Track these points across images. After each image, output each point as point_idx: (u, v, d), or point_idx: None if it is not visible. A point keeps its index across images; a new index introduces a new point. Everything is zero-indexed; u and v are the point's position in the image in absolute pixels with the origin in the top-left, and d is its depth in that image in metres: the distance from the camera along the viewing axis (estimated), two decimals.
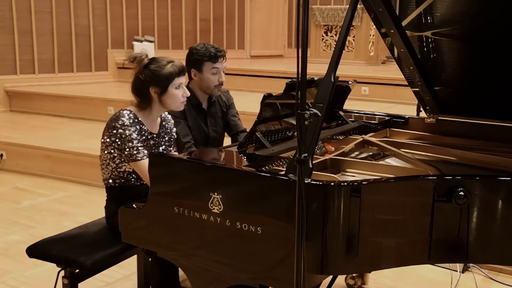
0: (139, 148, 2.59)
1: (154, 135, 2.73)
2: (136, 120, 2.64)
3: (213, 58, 3.18)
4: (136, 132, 2.60)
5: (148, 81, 2.62)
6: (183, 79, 2.69)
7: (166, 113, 2.85)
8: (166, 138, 2.81)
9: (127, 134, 2.58)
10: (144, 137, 2.66)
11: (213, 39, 9.53)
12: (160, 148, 2.77)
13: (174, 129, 2.90)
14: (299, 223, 1.75)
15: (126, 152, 2.59)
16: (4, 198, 5.01)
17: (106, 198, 2.81)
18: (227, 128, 3.42)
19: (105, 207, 2.82)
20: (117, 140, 2.59)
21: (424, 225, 2.00)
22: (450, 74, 2.80)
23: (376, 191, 1.96)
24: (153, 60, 2.65)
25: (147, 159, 2.55)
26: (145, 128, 2.68)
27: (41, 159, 5.65)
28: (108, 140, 2.62)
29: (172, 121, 2.90)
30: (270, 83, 7.41)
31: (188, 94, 2.72)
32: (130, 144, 2.58)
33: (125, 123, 2.59)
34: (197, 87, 3.25)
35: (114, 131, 2.59)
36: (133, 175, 2.70)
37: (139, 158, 2.59)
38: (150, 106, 2.67)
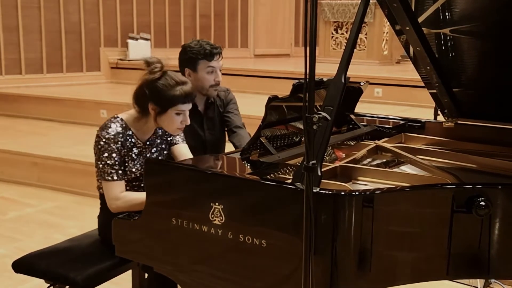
0: (114, 167, 2.61)
1: (145, 143, 2.73)
2: (124, 131, 2.64)
3: (208, 56, 3.18)
4: (116, 148, 2.61)
5: (150, 97, 2.61)
6: (189, 106, 2.65)
7: None
8: (161, 141, 2.81)
9: (107, 149, 2.60)
10: (130, 148, 2.66)
11: (214, 36, 9.55)
12: (154, 155, 2.77)
13: None
14: (307, 235, 1.76)
15: (100, 167, 2.61)
16: None
17: (99, 207, 2.81)
18: (225, 127, 3.42)
19: (98, 217, 2.83)
20: (97, 151, 2.62)
21: (442, 237, 2.00)
22: (470, 75, 2.81)
23: (390, 201, 1.97)
24: (164, 75, 2.61)
25: (118, 182, 2.61)
26: (132, 138, 2.68)
27: (28, 166, 5.67)
28: (94, 148, 2.64)
29: None
30: (275, 84, 7.42)
31: (188, 123, 2.68)
32: (106, 160, 2.60)
33: (109, 137, 2.60)
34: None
35: (97, 141, 2.62)
36: (129, 184, 2.71)
37: (109, 178, 2.60)
38: (145, 118, 2.67)
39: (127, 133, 2.66)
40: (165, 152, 2.83)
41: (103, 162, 2.60)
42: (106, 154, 2.59)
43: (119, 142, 2.62)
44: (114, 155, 2.61)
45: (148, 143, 2.75)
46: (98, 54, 8.57)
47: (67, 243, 2.88)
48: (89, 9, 8.37)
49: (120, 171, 2.62)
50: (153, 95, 2.61)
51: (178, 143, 2.87)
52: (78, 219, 4.72)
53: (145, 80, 2.63)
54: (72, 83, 8.18)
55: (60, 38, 8.16)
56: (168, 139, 2.85)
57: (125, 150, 2.65)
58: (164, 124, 2.66)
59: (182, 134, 2.91)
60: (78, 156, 5.43)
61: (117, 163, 2.61)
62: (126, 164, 2.66)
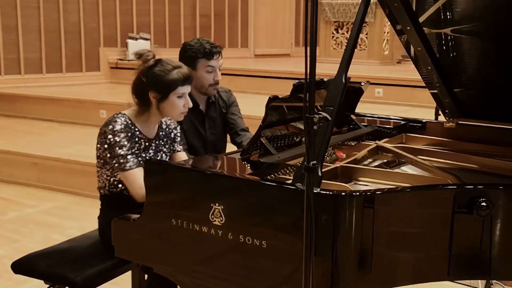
0: (128, 156, 2.59)
1: (151, 140, 2.73)
2: (130, 126, 2.64)
3: (208, 55, 3.19)
4: (126, 139, 2.60)
5: (149, 85, 2.62)
6: (188, 88, 2.67)
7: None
8: (164, 143, 2.81)
9: (117, 141, 2.58)
10: (137, 144, 2.66)
11: (214, 36, 9.55)
12: (158, 155, 2.77)
13: (176, 130, 2.89)
14: (307, 236, 1.76)
15: (114, 161, 2.60)
16: None
17: (100, 208, 2.81)
18: (227, 129, 3.42)
19: (99, 217, 2.83)
20: (107, 146, 2.60)
21: (443, 238, 2.00)
22: (472, 75, 2.81)
23: (391, 201, 1.97)
24: (159, 62, 2.64)
25: (137, 169, 2.58)
26: (138, 134, 2.68)
27: (27, 167, 5.67)
28: (99, 146, 2.63)
29: (173, 123, 2.89)
30: (275, 84, 7.43)
31: (191, 105, 2.70)
32: (119, 151, 2.58)
33: (116, 129, 2.59)
34: (192, 87, 3.26)
35: (104, 137, 2.61)
36: None
37: (127, 167, 2.58)
38: (148, 111, 2.68)
39: (132, 127, 2.66)
40: (166, 155, 2.83)
41: (115, 155, 2.58)
42: (117, 146, 2.58)
43: (128, 132, 2.62)
44: (126, 143, 2.59)
45: (156, 140, 2.75)
46: (97, 54, 8.57)
47: (67, 243, 2.88)
48: (88, 9, 8.37)
49: (136, 159, 2.61)
50: (151, 82, 2.61)
51: (179, 151, 2.87)
52: (77, 219, 4.72)
53: (141, 70, 2.64)
54: (71, 83, 8.17)
55: (60, 38, 8.16)
56: (170, 144, 2.85)
57: (133, 143, 2.64)
58: (167, 110, 2.66)
59: (183, 143, 2.90)
60: (77, 157, 5.43)
61: (130, 151, 2.60)
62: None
